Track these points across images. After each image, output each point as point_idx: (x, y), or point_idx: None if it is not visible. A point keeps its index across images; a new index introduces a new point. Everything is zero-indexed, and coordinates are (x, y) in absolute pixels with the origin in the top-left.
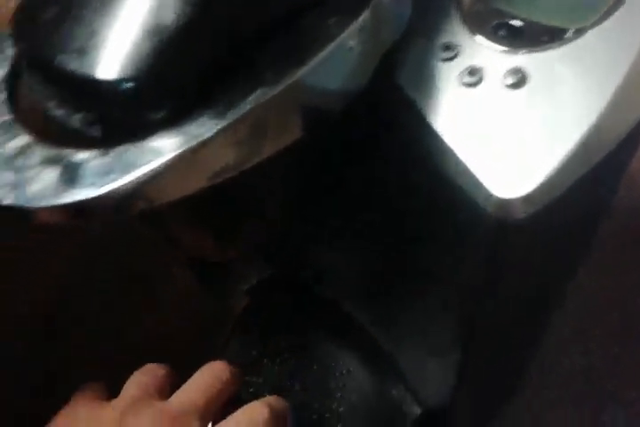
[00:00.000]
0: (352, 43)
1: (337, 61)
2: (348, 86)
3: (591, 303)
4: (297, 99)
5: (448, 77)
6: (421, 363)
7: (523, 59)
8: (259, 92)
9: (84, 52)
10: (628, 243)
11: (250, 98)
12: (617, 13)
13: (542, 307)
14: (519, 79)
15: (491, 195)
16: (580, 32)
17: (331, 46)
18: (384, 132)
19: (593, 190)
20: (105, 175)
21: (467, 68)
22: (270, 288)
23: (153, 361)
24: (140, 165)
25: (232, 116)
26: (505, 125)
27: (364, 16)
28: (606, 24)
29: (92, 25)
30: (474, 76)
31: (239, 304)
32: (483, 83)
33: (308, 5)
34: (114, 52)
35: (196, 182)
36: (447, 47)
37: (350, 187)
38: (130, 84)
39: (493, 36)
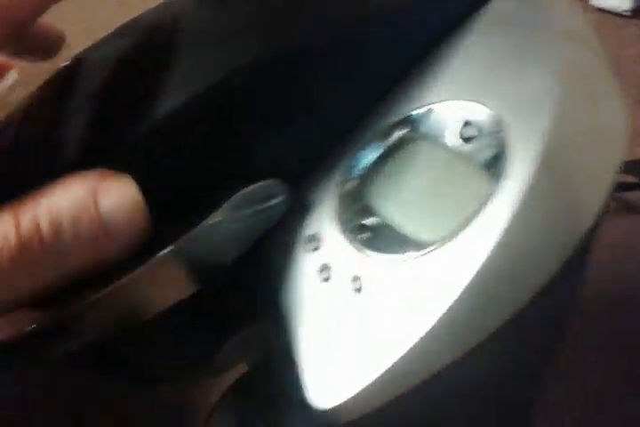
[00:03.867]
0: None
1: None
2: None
3: None
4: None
5: (306, 267)
6: None
7: (369, 264)
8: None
9: None
10: None
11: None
12: (464, 233)
13: None
14: (362, 284)
15: (307, 400)
16: (428, 247)
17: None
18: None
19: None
20: None
21: (323, 263)
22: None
23: None
24: None
25: None
26: (340, 330)
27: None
28: (450, 244)
29: None
30: (327, 271)
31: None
32: (332, 280)
33: None
34: None
35: None
36: (313, 238)
37: None
38: None
39: (353, 235)
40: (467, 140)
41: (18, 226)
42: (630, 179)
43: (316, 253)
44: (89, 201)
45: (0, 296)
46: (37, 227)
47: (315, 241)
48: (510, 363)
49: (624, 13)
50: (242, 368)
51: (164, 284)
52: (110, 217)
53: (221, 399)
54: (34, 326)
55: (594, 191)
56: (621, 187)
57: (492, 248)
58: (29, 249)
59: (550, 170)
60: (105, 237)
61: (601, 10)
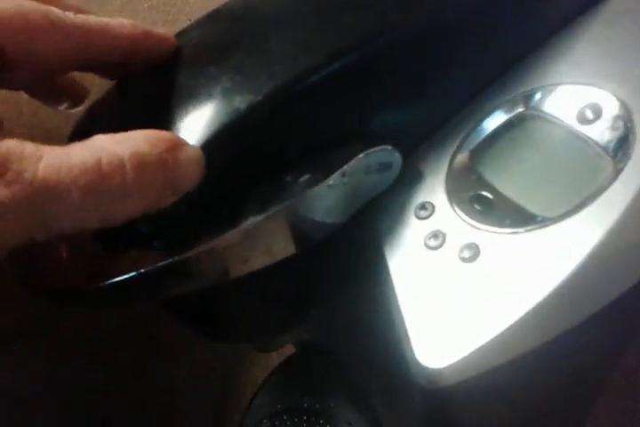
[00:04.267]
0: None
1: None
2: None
3: None
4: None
5: (416, 234)
6: None
7: (482, 235)
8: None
9: None
10: None
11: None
12: (583, 212)
13: None
14: (472, 254)
15: (415, 359)
16: (544, 222)
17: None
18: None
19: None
20: None
21: (434, 231)
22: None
23: None
24: None
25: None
26: (449, 295)
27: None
28: (568, 221)
29: None
30: (437, 240)
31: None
32: (442, 249)
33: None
34: None
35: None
36: (424, 206)
37: None
38: None
39: (466, 206)
40: (585, 122)
41: (99, 161)
42: None
43: (427, 220)
44: (167, 152)
45: (70, 224)
46: (121, 163)
47: (426, 209)
48: (604, 345)
49: None
50: (287, 350)
51: (272, 238)
52: (182, 167)
53: (268, 378)
54: (154, 266)
55: None
56: None
57: (609, 227)
58: (108, 184)
59: None
60: (170, 182)
61: None
